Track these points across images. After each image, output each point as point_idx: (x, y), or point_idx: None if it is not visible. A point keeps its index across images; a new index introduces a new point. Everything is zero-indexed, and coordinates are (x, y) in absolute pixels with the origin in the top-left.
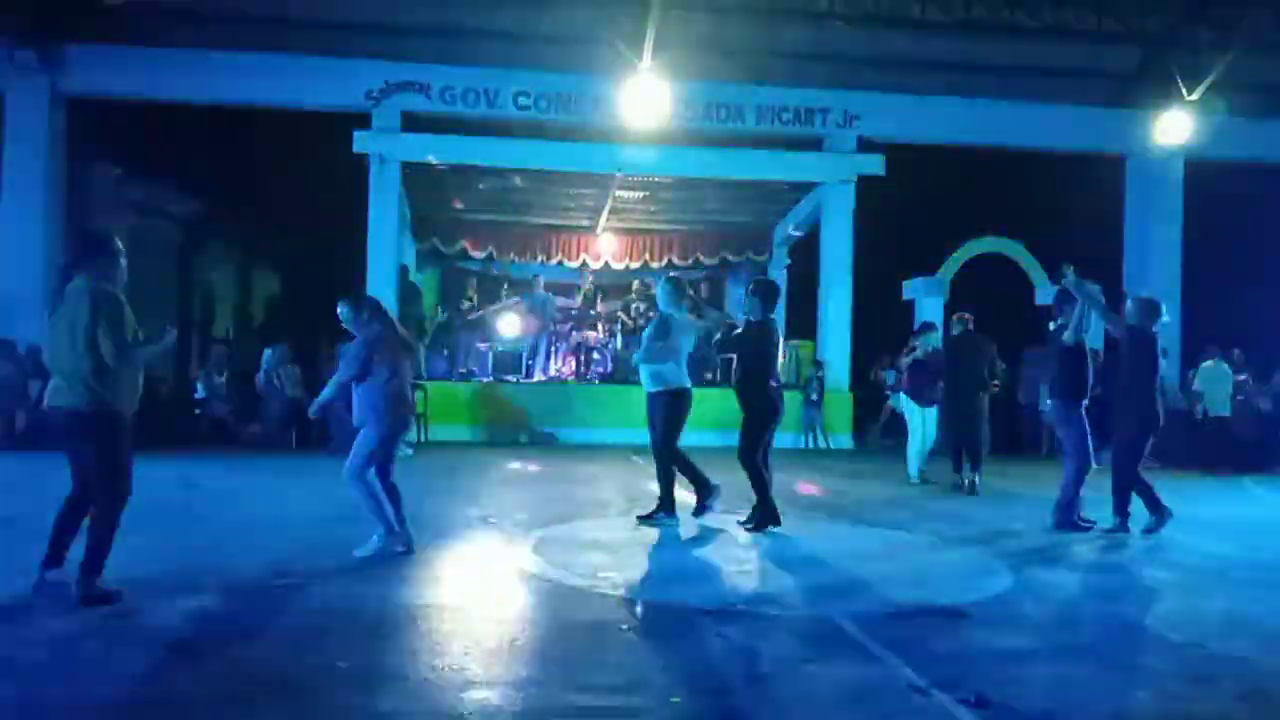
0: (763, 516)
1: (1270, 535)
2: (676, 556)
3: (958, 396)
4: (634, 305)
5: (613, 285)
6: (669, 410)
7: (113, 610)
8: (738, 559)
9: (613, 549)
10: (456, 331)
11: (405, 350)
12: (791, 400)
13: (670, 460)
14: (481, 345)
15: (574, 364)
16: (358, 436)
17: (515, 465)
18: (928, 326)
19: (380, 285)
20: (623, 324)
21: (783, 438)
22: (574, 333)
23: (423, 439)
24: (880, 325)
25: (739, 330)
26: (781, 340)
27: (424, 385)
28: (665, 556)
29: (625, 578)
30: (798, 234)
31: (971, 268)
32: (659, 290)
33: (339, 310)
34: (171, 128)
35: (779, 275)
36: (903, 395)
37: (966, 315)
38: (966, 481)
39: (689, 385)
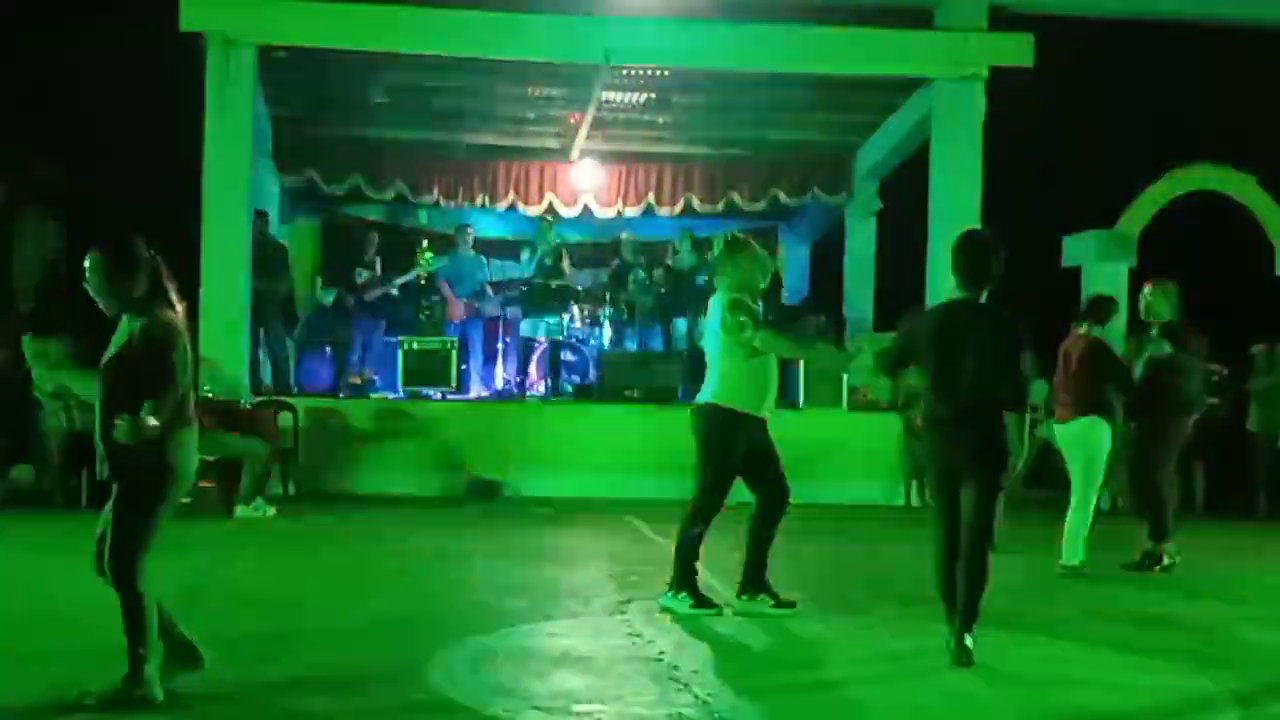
0: None
1: None
2: (726, 682)
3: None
4: (634, 273)
5: (594, 243)
6: None
7: None
8: (812, 681)
9: (597, 667)
10: (348, 317)
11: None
12: (882, 428)
13: None
14: (387, 340)
15: (531, 370)
16: (112, 504)
17: (438, 532)
18: (1100, 307)
19: (224, 244)
20: (622, 305)
21: (868, 490)
22: (526, 319)
23: (289, 490)
24: (1026, 310)
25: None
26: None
27: (290, 404)
28: (692, 679)
29: (618, 714)
30: (900, 149)
31: (1174, 216)
32: None
33: (92, 271)
34: None
35: (866, 226)
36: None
37: (1167, 285)
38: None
39: None
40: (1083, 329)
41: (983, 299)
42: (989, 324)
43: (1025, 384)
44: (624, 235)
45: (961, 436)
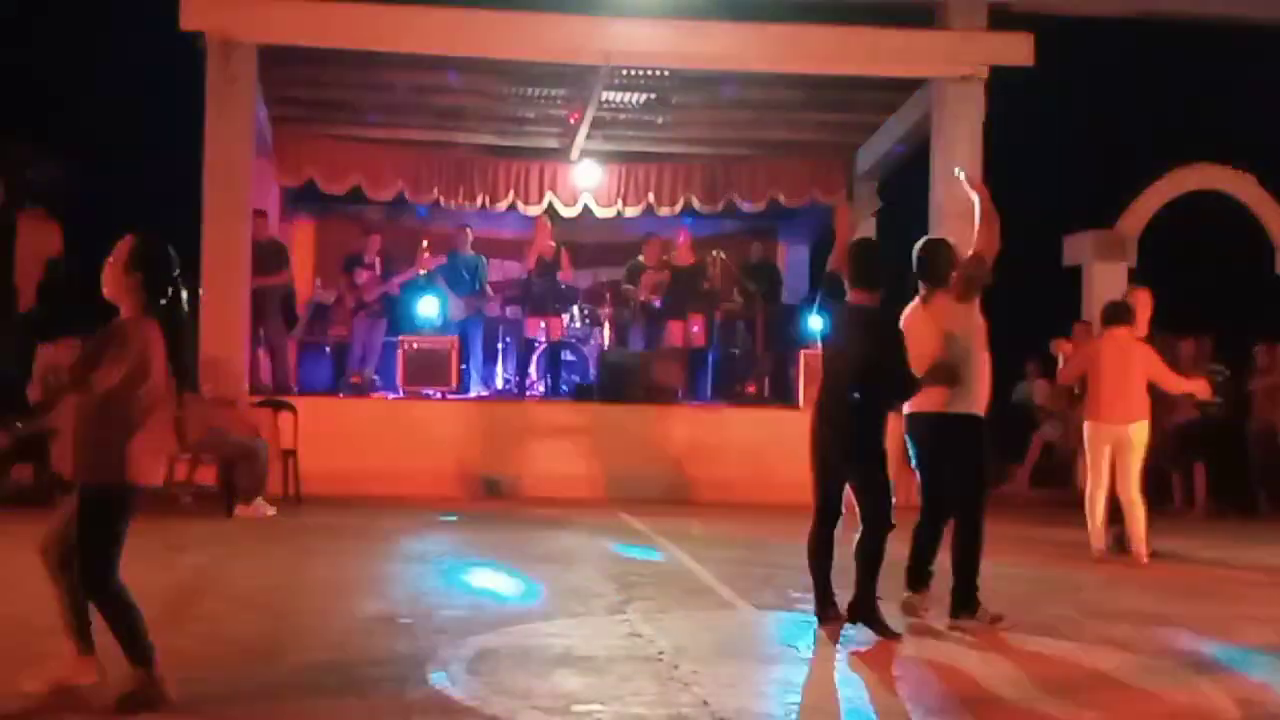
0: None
1: None
2: (726, 681)
3: None
4: (645, 274)
5: (595, 244)
6: None
7: None
8: (813, 681)
9: (596, 667)
10: (348, 317)
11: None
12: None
13: None
14: (388, 339)
15: (532, 369)
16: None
17: (441, 532)
18: (1117, 313)
19: (224, 244)
20: (632, 304)
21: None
22: (526, 319)
23: (291, 491)
24: (1026, 310)
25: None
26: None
27: (290, 404)
28: (692, 679)
29: (617, 714)
30: (899, 149)
31: (1173, 216)
32: None
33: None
34: None
35: (866, 226)
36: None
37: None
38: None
39: None
40: (1125, 331)
41: (872, 303)
42: (864, 327)
43: (904, 382)
44: (651, 235)
45: (831, 431)
